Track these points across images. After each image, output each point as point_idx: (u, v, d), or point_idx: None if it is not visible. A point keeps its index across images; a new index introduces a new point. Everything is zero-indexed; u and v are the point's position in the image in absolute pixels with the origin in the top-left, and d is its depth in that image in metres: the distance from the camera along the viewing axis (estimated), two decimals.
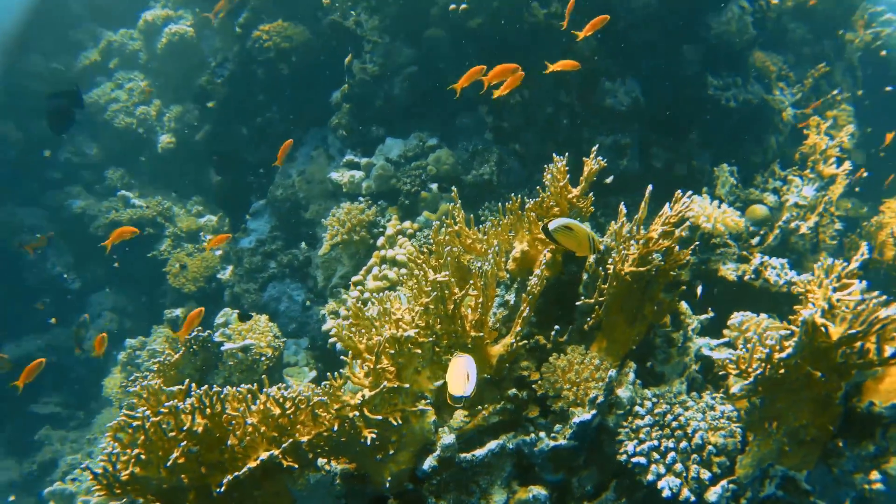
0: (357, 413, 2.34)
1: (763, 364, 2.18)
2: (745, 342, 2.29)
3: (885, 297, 2.17)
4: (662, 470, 2.52)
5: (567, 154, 2.85)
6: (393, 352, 2.41)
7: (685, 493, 2.46)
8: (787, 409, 2.42)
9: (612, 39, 4.13)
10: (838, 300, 2.03)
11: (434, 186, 4.11)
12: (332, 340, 3.87)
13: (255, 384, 2.44)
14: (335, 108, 4.87)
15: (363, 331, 2.61)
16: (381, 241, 4.01)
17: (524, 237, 3.12)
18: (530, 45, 4.10)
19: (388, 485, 2.53)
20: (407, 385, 2.44)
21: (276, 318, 4.93)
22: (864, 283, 2.28)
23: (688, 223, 2.71)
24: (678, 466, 2.51)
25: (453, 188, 2.89)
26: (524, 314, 2.71)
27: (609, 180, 3.21)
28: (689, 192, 2.76)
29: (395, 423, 2.41)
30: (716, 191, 3.79)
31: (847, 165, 3.47)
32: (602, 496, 2.74)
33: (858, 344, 2.26)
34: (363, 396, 2.36)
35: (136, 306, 6.79)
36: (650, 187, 2.83)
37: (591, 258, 2.97)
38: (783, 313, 3.24)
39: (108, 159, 7.28)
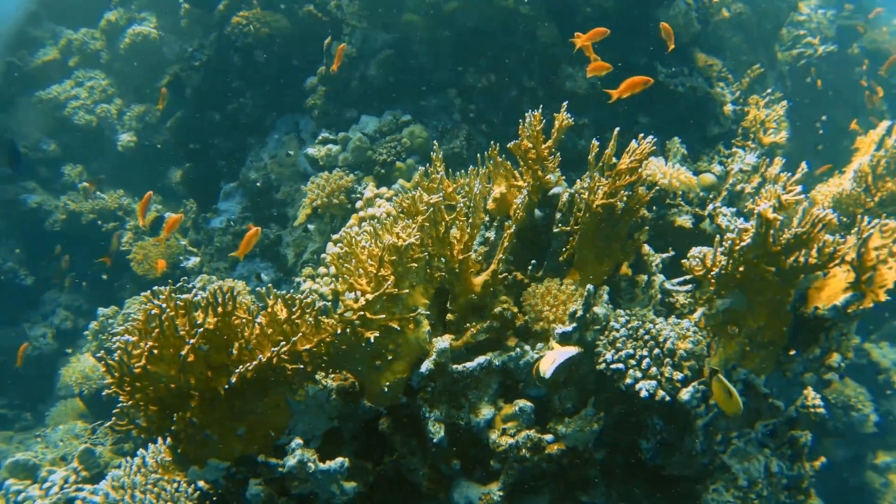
0: (360, 316, 2.49)
1: (726, 258, 2.47)
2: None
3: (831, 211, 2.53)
4: (639, 374, 2.76)
5: (541, 107, 3.15)
6: (394, 259, 2.58)
7: (661, 393, 2.70)
8: (746, 312, 2.71)
9: (571, 30, 4.52)
10: (786, 199, 2.35)
11: (409, 160, 4.36)
12: (302, 280, 3.99)
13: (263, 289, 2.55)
14: (310, 92, 5.08)
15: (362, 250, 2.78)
16: (359, 203, 4.19)
17: (501, 182, 3.39)
18: (499, 32, 4.44)
19: (386, 390, 2.67)
20: (406, 291, 2.61)
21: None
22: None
23: (652, 161, 3.03)
24: (653, 370, 2.75)
25: (434, 142, 3.12)
26: (506, 243, 2.94)
27: None
28: (652, 137, 3.08)
29: (396, 329, 2.58)
30: (667, 161, 4.16)
31: (784, 133, 3.91)
32: (581, 412, 2.95)
33: (804, 254, 2.59)
34: (366, 299, 2.52)
35: (92, 304, 6.67)
36: (617, 129, 3.17)
37: (565, 197, 3.25)
38: None
39: (65, 156, 7.22)
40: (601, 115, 4.61)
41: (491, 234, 3.31)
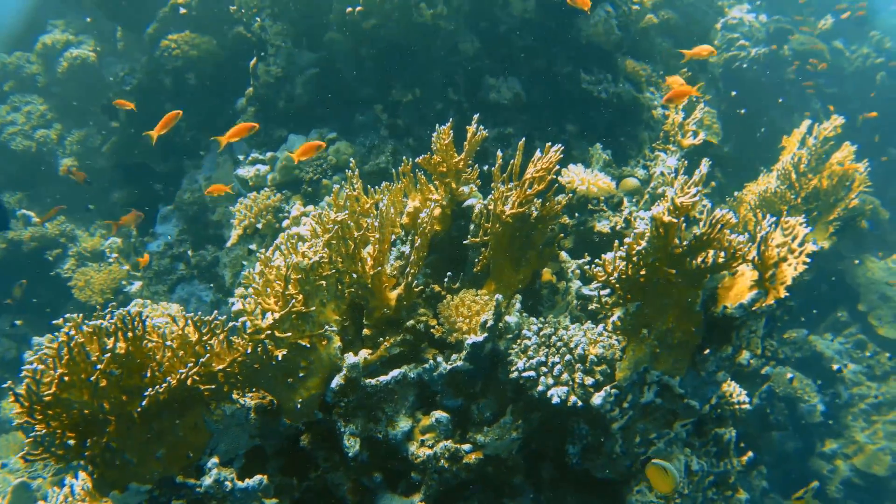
0: (268, 335, 2.50)
1: (624, 262, 2.52)
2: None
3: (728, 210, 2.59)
4: (550, 381, 2.79)
5: (452, 120, 3.18)
6: (299, 277, 2.59)
7: (572, 399, 2.74)
8: (654, 314, 2.75)
9: (494, 42, 4.58)
10: (680, 201, 2.41)
11: (336, 177, 4.38)
12: (235, 301, 3.97)
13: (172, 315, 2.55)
14: (240, 113, 5.07)
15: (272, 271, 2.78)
16: (286, 223, 4.19)
17: (416, 196, 3.42)
18: (421, 46, 4.49)
19: (300, 407, 2.67)
20: (313, 309, 2.62)
21: None
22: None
23: (559, 169, 3.08)
24: (564, 376, 2.79)
25: (351, 159, 3.13)
26: (414, 256, 2.96)
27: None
28: (559, 146, 3.13)
29: (305, 346, 2.59)
30: (590, 168, 4.23)
31: (701, 136, 4.00)
32: (499, 420, 2.97)
33: (710, 255, 2.64)
34: (273, 318, 2.52)
35: (35, 332, 6.55)
36: (523, 139, 3.21)
37: (477, 209, 3.29)
38: None
39: (4, 184, 7.10)
40: (528, 125, 4.68)
41: (405, 248, 3.33)
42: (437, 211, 3.31)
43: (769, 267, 2.74)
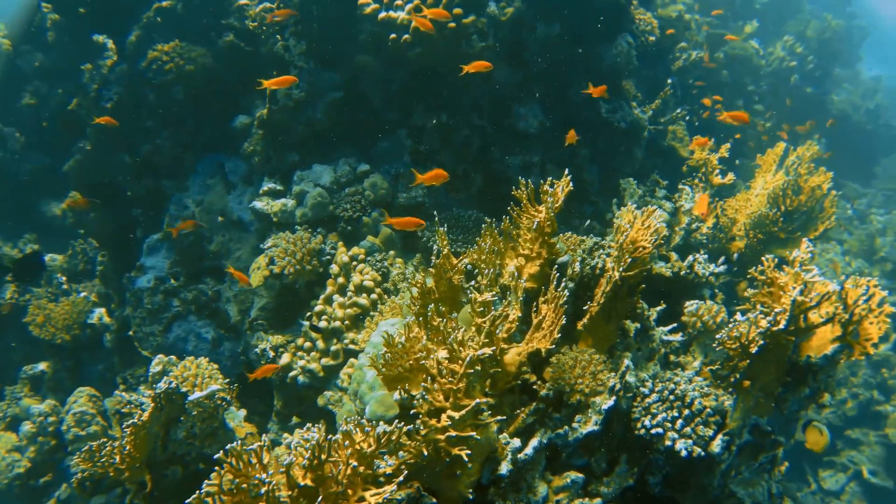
0: (448, 438, 2.49)
1: (763, 335, 2.79)
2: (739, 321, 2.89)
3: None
4: (676, 435, 3.03)
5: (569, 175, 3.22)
6: (472, 371, 2.59)
7: (697, 450, 3.00)
8: (760, 370, 3.07)
9: (520, 69, 4.60)
10: (811, 284, 2.70)
11: (374, 213, 4.24)
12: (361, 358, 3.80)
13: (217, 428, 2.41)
14: (241, 135, 4.68)
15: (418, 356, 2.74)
16: (333, 268, 4.01)
17: (512, 255, 3.46)
18: (453, 72, 4.40)
19: (462, 493, 2.69)
20: (487, 400, 2.64)
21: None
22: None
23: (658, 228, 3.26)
24: (687, 430, 3.04)
25: (436, 218, 3.07)
26: (554, 318, 3.03)
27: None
28: (654, 207, 3.30)
29: (477, 438, 2.60)
30: (623, 201, 4.46)
31: (731, 176, 4.36)
32: (615, 470, 3.19)
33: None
34: (451, 417, 2.51)
35: None
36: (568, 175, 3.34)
37: (577, 267, 3.41)
38: (703, 298, 3.99)
39: None
40: (546, 153, 4.78)
41: (508, 309, 3.37)
42: (536, 269, 3.37)
43: (853, 323, 3.13)
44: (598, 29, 4.57)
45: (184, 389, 3.53)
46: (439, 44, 4.02)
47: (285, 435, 3.98)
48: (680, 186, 4.46)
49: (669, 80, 6.17)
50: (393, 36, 4.00)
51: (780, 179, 5.08)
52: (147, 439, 3.40)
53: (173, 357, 3.98)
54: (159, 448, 3.54)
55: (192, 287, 4.72)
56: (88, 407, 3.95)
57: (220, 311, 4.77)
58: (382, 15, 4.03)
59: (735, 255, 4.92)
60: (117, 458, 3.24)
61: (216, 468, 2.30)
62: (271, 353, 4.12)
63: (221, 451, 2.32)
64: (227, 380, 3.89)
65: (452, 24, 3.98)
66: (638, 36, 4.67)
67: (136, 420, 3.25)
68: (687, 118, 5.45)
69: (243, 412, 4.48)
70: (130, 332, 4.79)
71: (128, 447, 3.26)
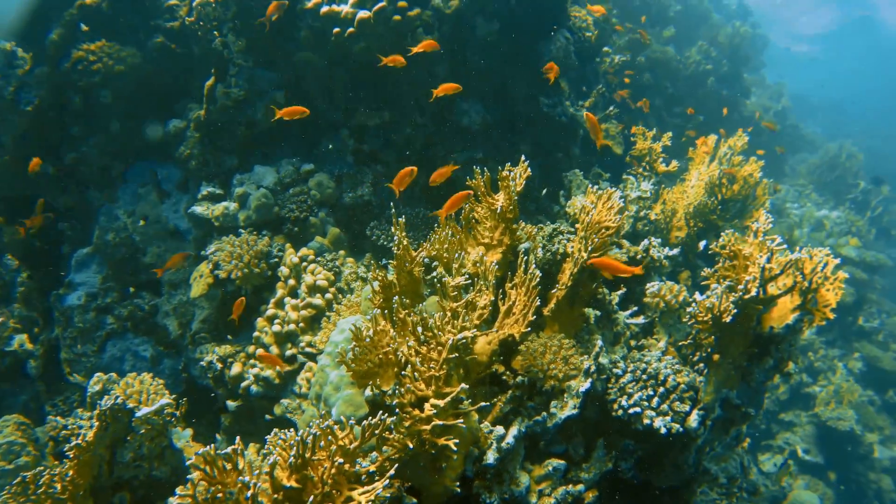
0: (434, 427, 2.37)
1: (736, 304, 2.83)
2: (712, 293, 2.92)
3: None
4: (653, 413, 3.02)
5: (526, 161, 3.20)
6: (454, 356, 2.49)
7: (676, 427, 3.00)
8: (729, 343, 3.11)
9: (463, 64, 4.57)
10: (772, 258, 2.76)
11: (321, 213, 4.07)
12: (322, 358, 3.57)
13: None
14: (175, 139, 4.42)
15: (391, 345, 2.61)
16: (283, 270, 3.81)
17: (473, 244, 3.39)
18: (398, 71, 4.32)
19: (442, 489, 2.57)
20: (465, 387, 2.53)
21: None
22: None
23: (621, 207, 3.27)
24: (664, 407, 3.04)
25: (401, 219, 2.98)
26: (526, 301, 2.97)
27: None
28: (619, 193, 3.31)
29: (463, 426, 2.50)
30: (570, 193, 4.48)
31: (675, 164, 4.46)
32: (593, 455, 3.15)
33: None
34: (435, 406, 2.40)
35: None
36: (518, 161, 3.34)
37: (539, 253, 3.38)
38: (662, 279, 4.04)
39: None
40: (489, 148, 4.77)
41: (478, 299, 3.30)
42: (499, 257, 3.32)
43: (809, 292, 3.23)
44: (537, 25, 4.61)
45: (130, 405, 3.25)
46: (385, 37, 3.94)
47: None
48: (624, 176, 4.53)
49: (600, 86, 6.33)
50: (337, 30, 3.88)
51: (714, 170, 5.26)
52: (92, 463, 3.10)
53: (113, 374, 3.68)
54: (105, 472, 3.23)
55: (128, 302, 4.40)
56: (17, 436, 3.55)
57: (158, 326, 4.46)
58: (325, 9, 3.90)
59: (678, 247, 5.03)
60: (58, 486, 2.92)
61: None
62: (219, 366, 3.87)
63: (194, 456, 2.12)
64: (174, 395, 3.62)
65: (398, 17, 3.90)
66: (575, 32, 4.74)
67: (79, 441, 2.94)
68: (616, 112, 5.56)
69: (189, 431, 4.19)
70: (61, 355, 4.40)
71: (70, 473, 2.94)
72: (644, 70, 7.75)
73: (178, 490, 2.05)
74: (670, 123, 8.06)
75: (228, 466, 2.13)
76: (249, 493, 1.87)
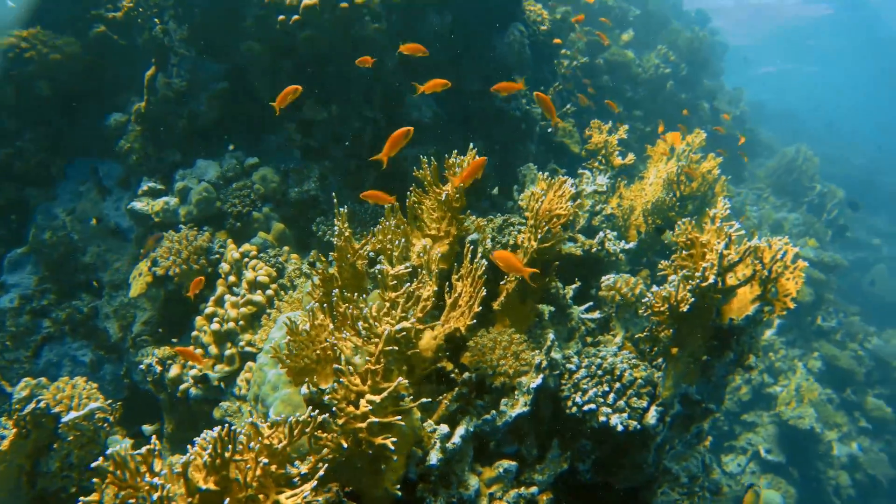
0: (370, 424, 2.22)
1: (693, 292, 2.73)
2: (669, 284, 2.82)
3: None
4: (609, 410, 2.90)
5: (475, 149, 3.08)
6: (391, 349, 2.34)
7: (633, 423, 2.88)
8: (687, 335, 3.01)
9: (411, 58, 4.45)
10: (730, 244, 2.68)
11: (266, 208, 3.89)
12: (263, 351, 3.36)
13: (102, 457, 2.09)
14: (115, 134, 4.20)
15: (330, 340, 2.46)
16: (223, 266, 3.62)
17: (418, 235, 3.26)
18: (345, 60, 4.18)
19: (383, 493, 2.42)
20: (405, 382, 2.39)
21: None
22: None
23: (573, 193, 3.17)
24: (621, 403, 2.92)
25: (343, 209, 2.83)
26: (472, 292, 2.84)
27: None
28: (571, 180, 3.21)
29: (401, 424, 2.35)
30: (524, 187, 4.37)
31: (631, 157, 4.39)
32: (547, 455, 3.01)
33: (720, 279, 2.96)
34: (371, 402, 2.25)
35: None
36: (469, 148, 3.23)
37: (488, 244, 3.26)
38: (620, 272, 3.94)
39: None
40: (442, 144, 4.65)
41: (421, 291, 3.15)
42: (446, 248, 3.18)
43: (770, 281, 3.15)
44: (491, 17, 4.52)
45: (56, 410, 3.03)
46: (330, 25, 3.79)
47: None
48: (580, 171, 4.44)
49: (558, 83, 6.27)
50: (282, 17, 3.72)
51: (672, 167, 5.21)
52: (8, 475, 2.87)
53: (43, 379, 3.45)
54: (25, 485, 3.00)
55: (65, 304, 4.15)
56: None
57: (98, 329, 4.22)
58: None
59: (634, 243, 4.96)
60: None
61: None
62: (158, 368, 3.66)
63: (101, 458, 1.94)
64: (109, 400, 3.40)
65: (345, 4, 3.76)
66: (530, 25, 4.66)
67: None
68: (574, 110, 5.50)
69: (129, 441, 3.97)
70: None
71: None
72: (602, 73, 7.72)
73: (81, 500, 1.87)
74: (631, 127, 8.05)
75: (143, 469, 1.95)
76: (156, 496, 1.69)
